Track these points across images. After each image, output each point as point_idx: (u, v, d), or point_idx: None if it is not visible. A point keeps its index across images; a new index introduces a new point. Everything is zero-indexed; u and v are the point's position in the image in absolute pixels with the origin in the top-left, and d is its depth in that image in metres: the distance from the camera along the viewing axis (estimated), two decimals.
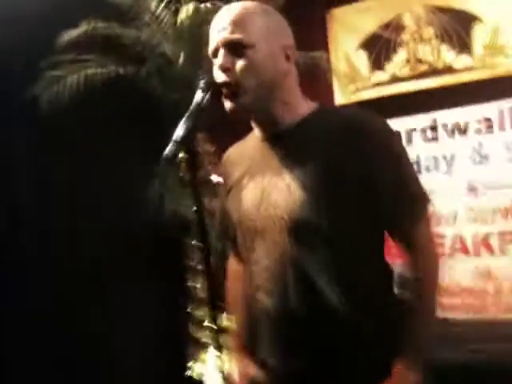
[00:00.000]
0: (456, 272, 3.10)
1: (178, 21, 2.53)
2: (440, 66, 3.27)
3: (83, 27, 2.72)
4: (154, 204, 2.80)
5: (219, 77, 1.32)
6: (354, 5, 3.45)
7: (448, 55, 3.24)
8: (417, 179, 1.34)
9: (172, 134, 1.21)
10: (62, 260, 2.76)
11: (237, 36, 1.29)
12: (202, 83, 1.31)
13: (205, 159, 2.99)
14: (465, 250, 3.13)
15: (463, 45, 3.18)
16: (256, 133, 1.43)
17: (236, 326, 1.54)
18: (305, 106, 1.38)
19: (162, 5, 2.75)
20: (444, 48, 3.25)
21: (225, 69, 1.30)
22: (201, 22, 2.58)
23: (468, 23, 3.15)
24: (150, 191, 2.81)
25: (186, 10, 2.49)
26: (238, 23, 1.30)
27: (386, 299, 1.34)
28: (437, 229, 3.07)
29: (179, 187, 2.92)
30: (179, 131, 1.23)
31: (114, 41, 2.83)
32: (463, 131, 3.15)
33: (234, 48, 1.30)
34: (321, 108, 1.39)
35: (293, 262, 1.29)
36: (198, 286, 3.01)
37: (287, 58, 1.34)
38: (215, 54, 1.33)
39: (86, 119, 2.53)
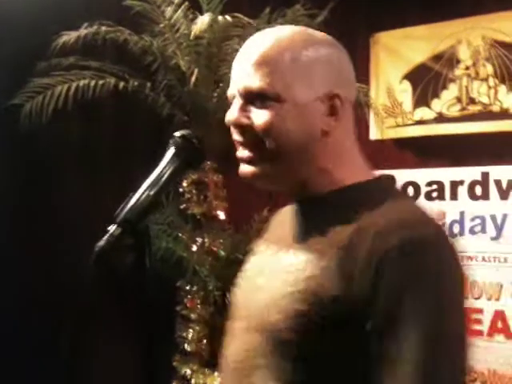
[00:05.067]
0: (493, 357, 2.64)
1: (193, 32, 2.15)
2: (496, 109, 2.88)
3: (85, 30, 2.35)
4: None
5: (233, 134, 0.98)
6: (404, 30, 3.09)
7: (507, 98, 2.84)
8: (461, 362, 0.86)
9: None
10: (37, 295, 2.41)
11: (257, 84, 0.93)
12: (177, 136, 0.93)
13: (210, 192, 2.62)
14: (506, 331, 2.66)
15: None
16: None
17: None
18: (353, 173, 0.99)
19: (180, 11, 2.38)
20: (502, 89, 2.85)
21: (238, 125, 0.95)
22: (220, 36, 2.20)
23: None
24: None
25: (202, 21, 2.11)
26: (261, 65, 0.93)
27: None
28: (475, 302, 2.64)
29: (177, 219, 2.58)
30: (128, 208, 0.85)
31: (120, 48, 2.47)
32: None
33: (254, 98, 0.94)
34: (376, 182, 1.00)
35: (247, 373, 0.95)
36: (189, 337, 2.64)
37: (332, 110, 0.95)
38: (232, 99, 0.99)
39: (71, 138, 2.17)
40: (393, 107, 3.14)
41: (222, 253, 2.63)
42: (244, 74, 0.95)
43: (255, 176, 0.96)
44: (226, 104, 2.65)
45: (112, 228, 0.83)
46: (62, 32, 2.39)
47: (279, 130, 0.93)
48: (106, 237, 0.82)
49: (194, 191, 2.63)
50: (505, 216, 2.70)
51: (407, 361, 0.82)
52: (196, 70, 2.39)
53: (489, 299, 2.71)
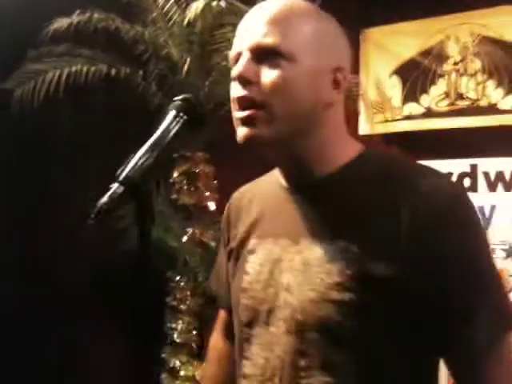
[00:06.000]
0: None
1: (187, 19, 2.15)
2: (484, 104, 2.90)
3: (77, 17, 2.34)
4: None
5: (235, 90, 0.94)
6: (393, 26, 3.11)
7: (494, 93, 2.87)
8: (502, 287, 0.93)
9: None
10: (23, 288, 2.38)
11: (272, 40, 0.91)
12: (177, 101, 0.92)
13: (201, 182, 2.61)
14: None
15: None
16: (277, 175, 1.03)
17: None
18: (347, 149, 0.98)
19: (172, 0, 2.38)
20: (491, 84, 2.88)
21: (245, 80, 0.92)
22: (213, 23, 2.20)
23: None
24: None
25: (196, 7, 2.11)
26: (276, 23, 0.92)
27: None
28: None
29: (167, 209, 2.57)
30: (130, 167, 0.84)
31: (112, 36, 2.46)
32: (508, 184, 2.72)
33: (265, 56, 0.92)
34: (367, 152, 1.00)
35: (295, 377, 0.92)
36: (178, 328, 2.63)
37: (336, 84, 0.95)
38: (237, 60, 0.95)
39: (62, 123, 2.14)
40: (382, 102, 3.16)
41: (213, 244, 2.62)
42: (257, 31, 0.93)
43: (254, 139, 0.93)
44: (216, 94, 2.63)
45: (114, 186, 0.81)
46: (54, 19, 2.38)
47: (288, 90, 0.91)
48: (107, 194, 0.80)
49: (184, 181, 2.63)
50: (493, 207, 2.73)
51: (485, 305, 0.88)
52: (188, 59, 2.38)
53: None
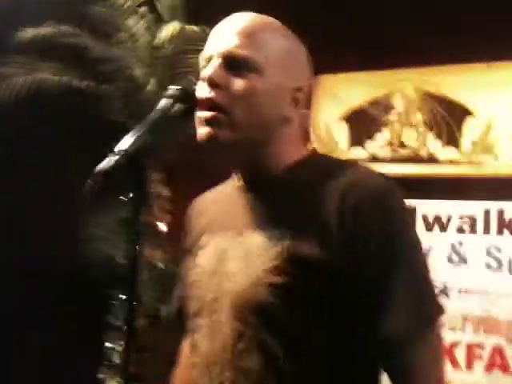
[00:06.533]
0: None
1: (157, 39, 2.22)
2: (423, 153, 3.11)
3: (44, 29, 2.36)
4: (85, 242, 2.39)
5: (202, 92, 0.98)
6: (344, 75, 3.31)
7: (433, 144, 3.09)
8: (429, 276, 0.99)
9: None
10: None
11: (245, 52, 0.97)
12: (172, 90, 0.96)
13: (155, 202, 2.63)
14: None
15: (451, 136, 3.03)
16: (234, 179, 1.09)
17: None
18: (297, 152, 1.05)
19: (141, 22, 2.45)
20: (430, 136, 3.09)
21: (214, 83, 0.97)
22: (179, 48, 2.28)
23: (459, 115, 3.02)
24: (82, 226, 2.40)
25: (169, 29, 2.18)
26: (248, 36, 0.99)
27: None
28: None
29: (117, 227, 2.55)
30: (128, 142, 0.87)
31: (79, 51, 2.50)
32: (444, 227, 2.91)
33: (235, 65, 0.97)
34: (316, 154, 1.07)
35: (234, 360, 0.95)
36: (118, 348, 2.56)
37: (295, 102, 1.02)
38: (207, 62, 1.01)
39: (21, 129, 2.13)
40: (329, 144, 3.32)
41: (160, 265, 2.61)
42: (231, 40, 0.98)
43: (215, 139, 0.97)
44: None
45: (113, 156, 0.84)
46: (21, 28, 2.39)
47: (252, 101, 0.97)
48: (108, 162, 0.83)
49: None
50: (429, 248, 2.89)
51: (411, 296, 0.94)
52: (151, 80, 2.44)
53: None
